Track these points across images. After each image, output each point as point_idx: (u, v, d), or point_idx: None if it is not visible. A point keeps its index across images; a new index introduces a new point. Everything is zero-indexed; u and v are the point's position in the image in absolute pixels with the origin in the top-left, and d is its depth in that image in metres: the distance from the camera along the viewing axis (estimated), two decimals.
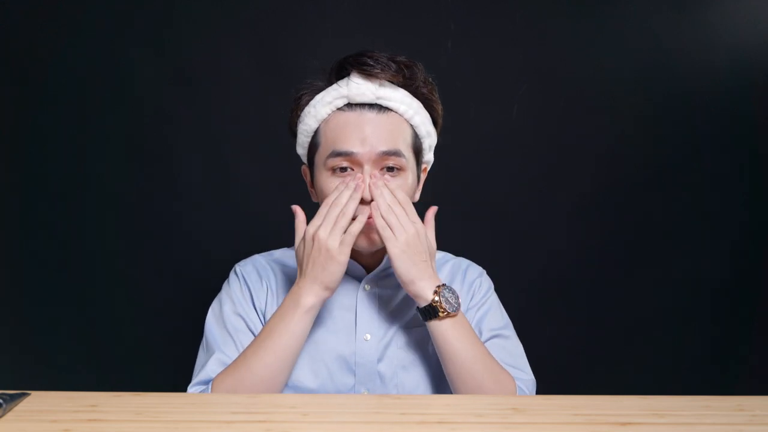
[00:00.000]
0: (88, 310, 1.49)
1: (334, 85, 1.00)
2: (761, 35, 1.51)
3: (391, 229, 0.94)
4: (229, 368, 0.93)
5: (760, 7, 1.51)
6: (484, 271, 1.14)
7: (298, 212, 0.98)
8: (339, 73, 1.00)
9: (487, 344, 1.02)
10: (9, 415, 0.68)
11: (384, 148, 0.97)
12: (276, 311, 0.94)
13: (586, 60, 1.51)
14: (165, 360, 1.48)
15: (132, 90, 1.46)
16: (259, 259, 1.10)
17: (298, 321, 0.92)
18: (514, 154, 1.51)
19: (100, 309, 1.49)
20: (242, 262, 1.10)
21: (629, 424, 0.67)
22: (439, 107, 1.05)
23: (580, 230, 1.52)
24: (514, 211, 1.51)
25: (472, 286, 1.10)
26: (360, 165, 0.97)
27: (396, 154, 0.97)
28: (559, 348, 1.52)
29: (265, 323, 0.98)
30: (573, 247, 1.52)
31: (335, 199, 0.93)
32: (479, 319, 1.07)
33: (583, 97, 1.51)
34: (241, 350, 0.96)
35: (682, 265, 1.53)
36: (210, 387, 0.93)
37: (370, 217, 0.95)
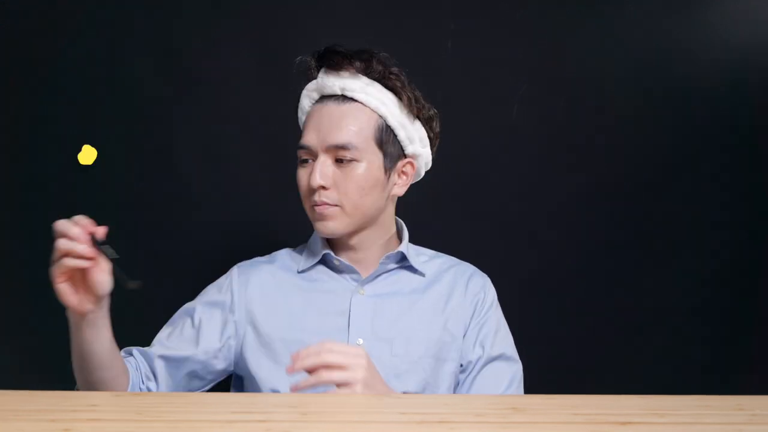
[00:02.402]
0: None
1: (314, 80, 1.05)
2: (762, 35, 1.51)
3: (345, 369, 0.81)
4: None
5: (761, 7, 1.51)
6: (489, 280, 1.13)
7: None
8: (318, 68, 1.05)
9: (489, 366, 1.04)
10: (9, 415, 0.68)
11: (332, 141, 1.00)
12: None
13: (586, 60, 1.50)
14: None
15: (132, 90, 1.46)
16: (259, 262, 1.11)
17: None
18: (514, 154, 1.51)
19: None
20: (243, 264, 1.12)
21: (629, 423, 0.67)
22: (408, 95, 1.03)
23: (579, 230, 1.52)
24: (514, 211, 1.51)
25: (475, 299, 1.09)
26: (314, 155, 1.02)
27: (344, 147, 1.00)
28: (559, 348, 1.52)
29: (254, 327, 1.04)
30: (573, 247, 1.52)
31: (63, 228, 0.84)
32: (482, 336, 1.07)
33: (583, 97, 1.51)
34: (172, 334, 1.08)
35: (681, 265, 1.53)
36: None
37: (318, 205, 1.01)
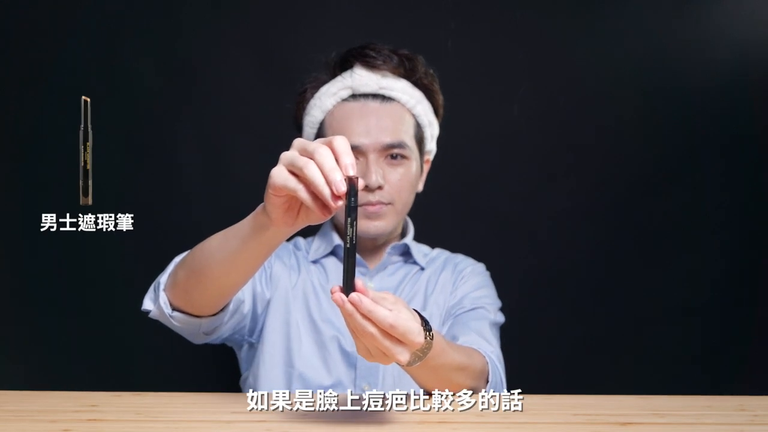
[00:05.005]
0: (88, 310, 1.49)
1: (339, 77, 1.03)
2: (762, 35, 1.51)
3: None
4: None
5: (761, 7, 1.51)
6: (483, 265, 1.14)
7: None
8: (342, 66, 1.03)
9: (469, 312, 1.02)
10: (9, 415, 0.68)
11: (388, 140, 1.00)
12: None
13: (586, 60, 1.50)
14: (165, 360, 1.48)
15: (132, 89, 1.46)
16: (290, 245, 1.13)
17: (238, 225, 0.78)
18: (515, 154, 1.51)
19: (101, 309, 1.49)
20: (289, 243, 1.12)
21: (629, 424, 0.68)
22: (440, 97, 1.08)
23: (580, 230, 1.51)
24: (515, 210, 1.51)
25: (462, 273, 1.10)
26: (365, 155, 1.00)
27: (400, 146, 1.01)
28: (559, 348, 1.52)
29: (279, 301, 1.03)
30: (573, 246, 1.52)
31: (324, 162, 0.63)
32: (463, 293, 1.06)
33: (583, 96, 1.51)
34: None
35: (682, 265, 1.52)
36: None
37: (372, 204, 1.00)
